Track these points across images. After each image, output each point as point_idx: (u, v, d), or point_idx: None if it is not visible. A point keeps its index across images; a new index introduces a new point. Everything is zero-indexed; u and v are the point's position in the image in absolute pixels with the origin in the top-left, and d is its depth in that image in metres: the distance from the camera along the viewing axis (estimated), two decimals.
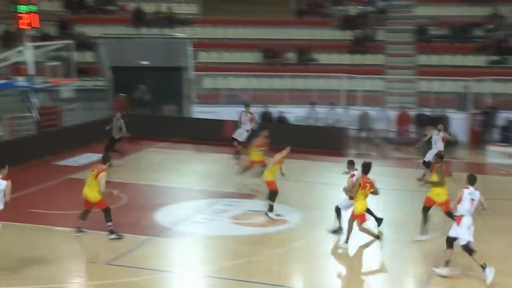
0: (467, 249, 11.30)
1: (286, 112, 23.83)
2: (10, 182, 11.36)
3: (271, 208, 14.48)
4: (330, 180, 17.10)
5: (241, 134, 20.12)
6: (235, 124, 20.42)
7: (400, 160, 21.47)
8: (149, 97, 24.67)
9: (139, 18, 27.62)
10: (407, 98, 24.99)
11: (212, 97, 25.69)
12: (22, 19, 16.37)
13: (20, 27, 17.36)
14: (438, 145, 17.73)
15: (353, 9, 28.87)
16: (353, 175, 12.91)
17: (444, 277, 11.36)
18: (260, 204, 15.28)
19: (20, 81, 17.00)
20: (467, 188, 11.47)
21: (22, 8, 16.35)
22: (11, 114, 21.30)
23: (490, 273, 11.08)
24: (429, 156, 17.02)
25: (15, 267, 11.61)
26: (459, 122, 23.01)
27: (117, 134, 19.17)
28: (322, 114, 23.42)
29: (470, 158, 21.80)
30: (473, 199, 11.39)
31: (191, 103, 25.46)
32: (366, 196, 12.66)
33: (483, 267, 11.14)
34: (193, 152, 21.80)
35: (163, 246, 12.99)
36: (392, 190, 17.48)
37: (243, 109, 20.70)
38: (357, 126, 22.75)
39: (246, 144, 19.63)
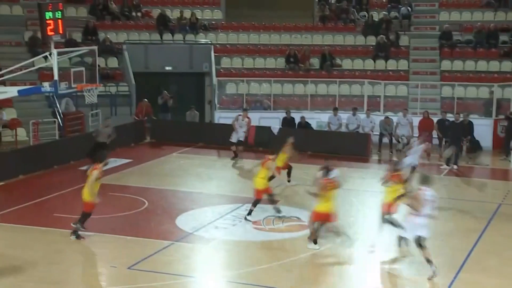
0: (399, 240, 11.94)
1: (309, 118, 23.79)
2: None
3: (250, 212, 14.63)
4: (352, 186, 17.02)
5: (239, 136, 20.82)
6: (232, 128, 20.98)
7: (423, 166, 21.30)
8: (172, 103, 24.81)
9: (163, 24, 27.82)
10: (430, 104, 24.82)
11: (235, 103, 25.76)
12: (48, 25, 16.55)
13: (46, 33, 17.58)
14: (416, 156, 17.82)
15: (377, 15, 28.80)
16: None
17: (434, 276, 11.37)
18: (283, 209, 15.28)
19: (45, 86, 17.18)
20: (423, 189, 11.34)
21: (48, 14, 16.53)
22: (36, 119, 21.60)
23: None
24: (407, 161, 17.27)
25: (37, 270, 11.75)
26: (484, 128, 22.77)
27: (104, 139, 19.25)
28: (345, 120, 23.33)
29: (494, 164, 21.56)
30: (432, 201, 11.35)
31: (214, 109, 25.55)
32: (332, 196, 12.72)
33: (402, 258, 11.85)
34: (216, 157, 21.86)
35: (184, 251, 13.04)
36: None
37: (240, 112, 21.51)
38: (380, 132, 22.62)
39: (244, 143, 20.72)
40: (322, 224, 12.76)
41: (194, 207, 15.73)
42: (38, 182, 17.68)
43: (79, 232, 13.12)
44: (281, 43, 27.99)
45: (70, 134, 22.15)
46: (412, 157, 17.75)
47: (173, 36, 27.77)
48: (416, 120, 22.65)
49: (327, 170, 13.62)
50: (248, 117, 21.23)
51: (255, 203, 14.66)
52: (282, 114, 23.96)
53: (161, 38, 27.66)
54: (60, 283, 11.25)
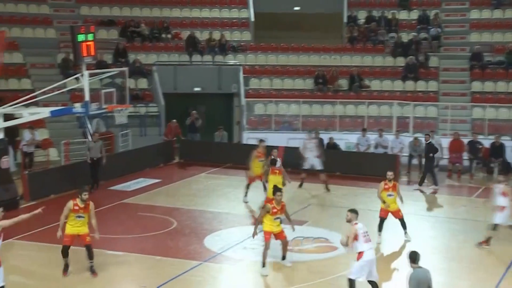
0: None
1: (337, 139, 23.71)
2: (2, 221, 10.56)
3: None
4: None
5: (313, 163, 19.38)
6: (301, 154, 19.77)
7: (453, 188, 21.07)
8: (201, 123, 24.96)
9: (192, 46, 28.10)
10: (460, 125, 24.58)
11: (263, 123, 25.83)
12: (80, 47, 16.85)
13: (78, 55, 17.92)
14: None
15: (406, 36, 28.73)
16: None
17: None
18: (312, 230, 15.22)
19: (77, 107, 17.46)
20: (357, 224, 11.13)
21: (80, 37, 16.85)
22: (67, 140, 21.90)
23: None
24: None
25: None
26: None
27: (97, 155, 19.28)
28: (373, 141, 23.21)
29: None
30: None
31: (242, 129, 25.64)
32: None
33: None
34: (244, 178, 21.81)
35: (213, 271, 13.03)
36: (445, 218, 17.19)
37: (306, 135, 20.50)
38: (409, 153, 22.44)
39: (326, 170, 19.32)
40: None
41: (222, 228, 15.74)
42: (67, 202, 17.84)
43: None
44: (310, 64, 28.05)
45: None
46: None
47: (202, 57, 28.03)
48: (446, 142, 22.44)
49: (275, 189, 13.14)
50: (317, 139, 19.98)
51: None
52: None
53: (190, 59, 27.93)
54: None
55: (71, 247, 12.35)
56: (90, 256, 12.39)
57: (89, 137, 22.38)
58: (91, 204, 12.39)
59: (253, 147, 22.50)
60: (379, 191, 14.81)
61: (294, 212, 16.80)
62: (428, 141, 20.56)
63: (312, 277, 12.54)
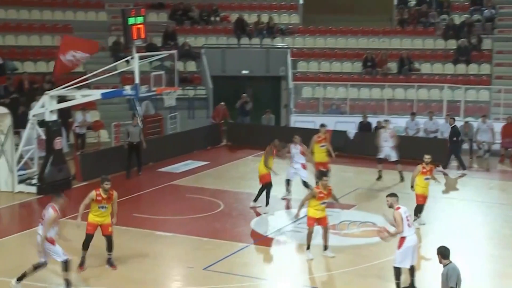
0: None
1: None
2: (54, 214, 10.71)
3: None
4: (430, 192, 16.65)
5: (388, 154, 18.69)
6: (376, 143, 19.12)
7: (505, 173, 20.64)
8: (251, 106, 25.01)
9: (240, 28, 28.12)
10: None
11: (311, 107, 25.73)
12: (130, 30, 17.03)
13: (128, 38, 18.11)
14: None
15: (458, 18, 28.09)
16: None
17: None
18: (359, 214, 15.16)
19: (127, 89, 17.71)
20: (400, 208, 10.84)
21: (131, 20, 17.02)
22: (117, 121, 22.27)
23: None
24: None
25: (117, 269, 12.09)
26: None
27: (137, 139, 19.21)
28: (423, 125, 22.87)
29: None
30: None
31: (290, 112, 25.60)
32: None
33: None
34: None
35: (259, 253, 13.13)
36: (497, 204, 16.87)
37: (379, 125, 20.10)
38: (460, 137, 22.01)
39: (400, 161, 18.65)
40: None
41: (269, 210, 15.79)
42: (118, 183, 18.17)
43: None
44: (358, 47, 27.76)
45: (149, 136, 22.69)
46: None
47: (250, 40, 28.02)
48: (498, 126, 21.94)
49: (321, 175, 13.04)
50: (390, 128, 19.22)
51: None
52: (358, 119, 23.71)
53: (239, 42, 27.96)
54: (140, 283, 11.55)
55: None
56: (109, 248, 12.03)
57: (138, 119, 22.74)
58: (115, 194, 12.01)
59: (300, 130, 22.54)
60: (415, 174, 14.57)
61: (341, 196, 16.76)
62: (452, 125, 20.26)
63: (358, 261, 12.51)
